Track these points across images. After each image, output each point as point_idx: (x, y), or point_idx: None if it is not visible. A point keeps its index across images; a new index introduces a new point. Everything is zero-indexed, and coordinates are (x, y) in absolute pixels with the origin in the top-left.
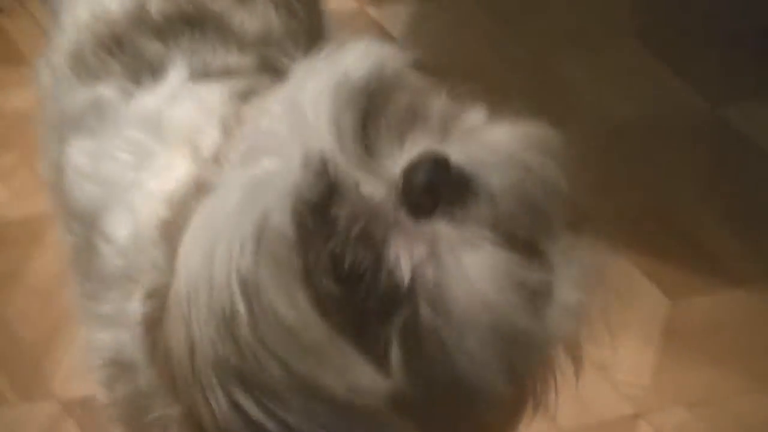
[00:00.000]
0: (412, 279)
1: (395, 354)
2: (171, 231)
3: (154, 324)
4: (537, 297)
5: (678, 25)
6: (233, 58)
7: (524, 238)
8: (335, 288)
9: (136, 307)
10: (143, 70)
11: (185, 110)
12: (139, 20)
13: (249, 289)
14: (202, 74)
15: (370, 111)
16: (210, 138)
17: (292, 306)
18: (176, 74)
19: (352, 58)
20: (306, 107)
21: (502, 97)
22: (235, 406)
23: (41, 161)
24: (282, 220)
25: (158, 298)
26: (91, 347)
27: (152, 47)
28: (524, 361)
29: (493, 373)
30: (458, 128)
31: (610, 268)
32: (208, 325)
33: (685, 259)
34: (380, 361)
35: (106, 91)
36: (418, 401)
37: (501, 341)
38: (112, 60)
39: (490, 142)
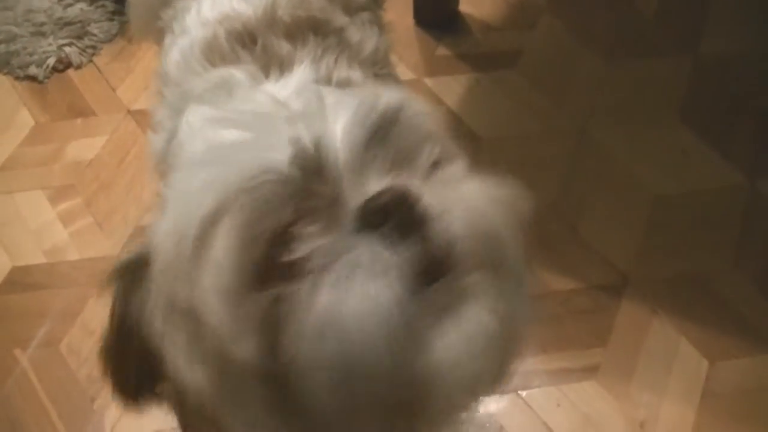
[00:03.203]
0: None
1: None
2: None
3: None
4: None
5: (717, 104)
6: (354, 73)
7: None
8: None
9: None
10: (273, 64)
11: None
12: (271, 22)
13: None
14: (325, 81)
15: (379, 134)
16: None
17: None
18: (303, 73)
19: (384, 91)
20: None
21: (544, 163)
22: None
23: (153, 141)
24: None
25: None
26: None
27: (283, 46)
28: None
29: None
30: (441, 175)
31: (653, 332)
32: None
33: (723, 323)
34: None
35: (237, 73)
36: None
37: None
38: (243, 51)
39: (461, 194)
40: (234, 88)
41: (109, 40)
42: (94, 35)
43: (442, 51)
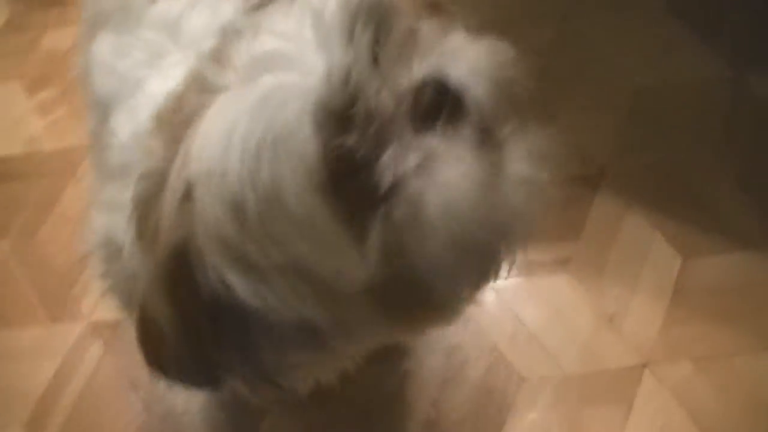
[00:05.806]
0: (402, 181)
1: (373, 239)
2: (167, 120)
3: (144, 200)
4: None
5: None
6: None
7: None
8: (336, 180)
9: (130, 194)
10: None
11: (202, 17)
12: None
13: (261, 184)
14: None
15: (380, 30)
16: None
17: (300, 202)
18: None
19: None
20: (324, 23)
21: (525, 50)
22: (223, 283)
23: (77, 57)
24: (302, 125)
25: (152, 178)
26: (90, 228)
27: None
28: (481, 268)
29: (446, 277)
30: (447, 49)
31: (627, 226)
32: (216, 207)
33: (698, 219)
34: (362, 251)
35: None
36: (385, 291)
37: (461, 253)
38: None
39: (471, 60)
40: (131, 11)
41: None
42: None
43: None
